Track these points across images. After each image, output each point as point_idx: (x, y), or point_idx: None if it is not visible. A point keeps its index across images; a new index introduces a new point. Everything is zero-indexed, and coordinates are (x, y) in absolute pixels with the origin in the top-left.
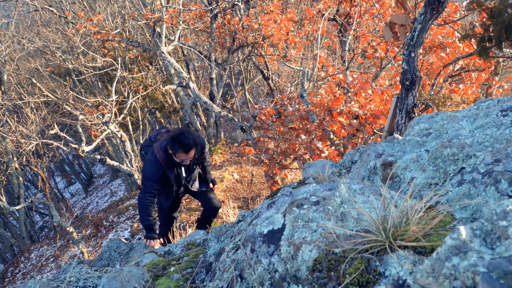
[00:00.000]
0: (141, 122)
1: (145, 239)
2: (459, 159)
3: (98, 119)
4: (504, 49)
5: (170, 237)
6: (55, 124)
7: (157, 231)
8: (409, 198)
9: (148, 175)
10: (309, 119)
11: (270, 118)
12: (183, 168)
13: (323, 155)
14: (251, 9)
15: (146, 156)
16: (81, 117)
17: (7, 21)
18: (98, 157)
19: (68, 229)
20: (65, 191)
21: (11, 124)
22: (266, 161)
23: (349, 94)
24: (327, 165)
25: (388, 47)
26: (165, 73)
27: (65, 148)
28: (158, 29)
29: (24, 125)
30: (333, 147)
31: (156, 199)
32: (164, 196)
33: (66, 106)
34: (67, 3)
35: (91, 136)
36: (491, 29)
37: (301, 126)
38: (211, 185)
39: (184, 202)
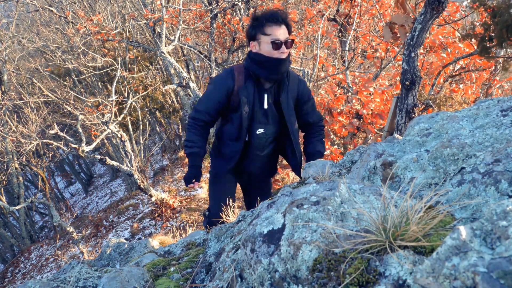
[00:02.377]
0: (141, 122)
1: (184, 179)
2: (459, 159)
3: (98, 119)
4: (505, 49)
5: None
6: (55, 124)
7: (201, 164)
8: (409, 198)
9: (210, 86)
10: None
11: None
12: (265, 96)
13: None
14: (251, 9)
15: None
16: (81, 117)
17: (7, 21)
18: (98, 157)
19: (68, 229)
20: (65, 191)
21: (11, 124)
22: None
23: (349, 94)
24: (327, 165)
25: (388, 47)
26: (165, 73)
27: (65, 148)
28: (158, 29)
29: (24, 125)
30: (334, 147)
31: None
32: (228, 140)
33: (66, 106)
34: (67, 3)
35: (91, 136)
36: (491, 28)
37: None
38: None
39: (184, 202)
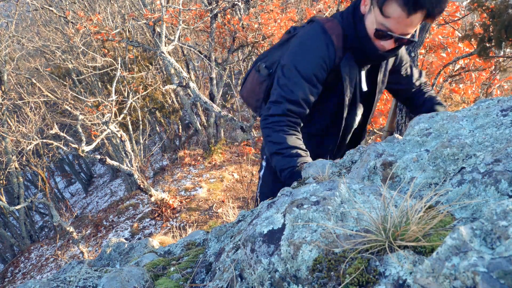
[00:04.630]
0: (141, 122)
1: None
2: (459, 159)
3: (98, 119)
4: (504, 49)
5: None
6: (54, 124)
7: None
8: (409, 198)
9: (298, 59)
10: None
11: None
12: (363, 74)
13: None
14: (251, 9)
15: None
16: (81, 117)
17: (7, 21)
18: (98, 157)
19: (68, 229)
20: (65, 191)
21: (11, 124)
22: None
23: None
24: (327, 165)
25: None
26: (165, 73)
27: (65, 148)
28: (158, 29)
29: (24, 124)
30: None
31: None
32: (319, 138)
33: (66, 106)
34: (67, 3)
35: (91, 136)
36: (491, 29)
37: None
38: None
39: (184, 202)
